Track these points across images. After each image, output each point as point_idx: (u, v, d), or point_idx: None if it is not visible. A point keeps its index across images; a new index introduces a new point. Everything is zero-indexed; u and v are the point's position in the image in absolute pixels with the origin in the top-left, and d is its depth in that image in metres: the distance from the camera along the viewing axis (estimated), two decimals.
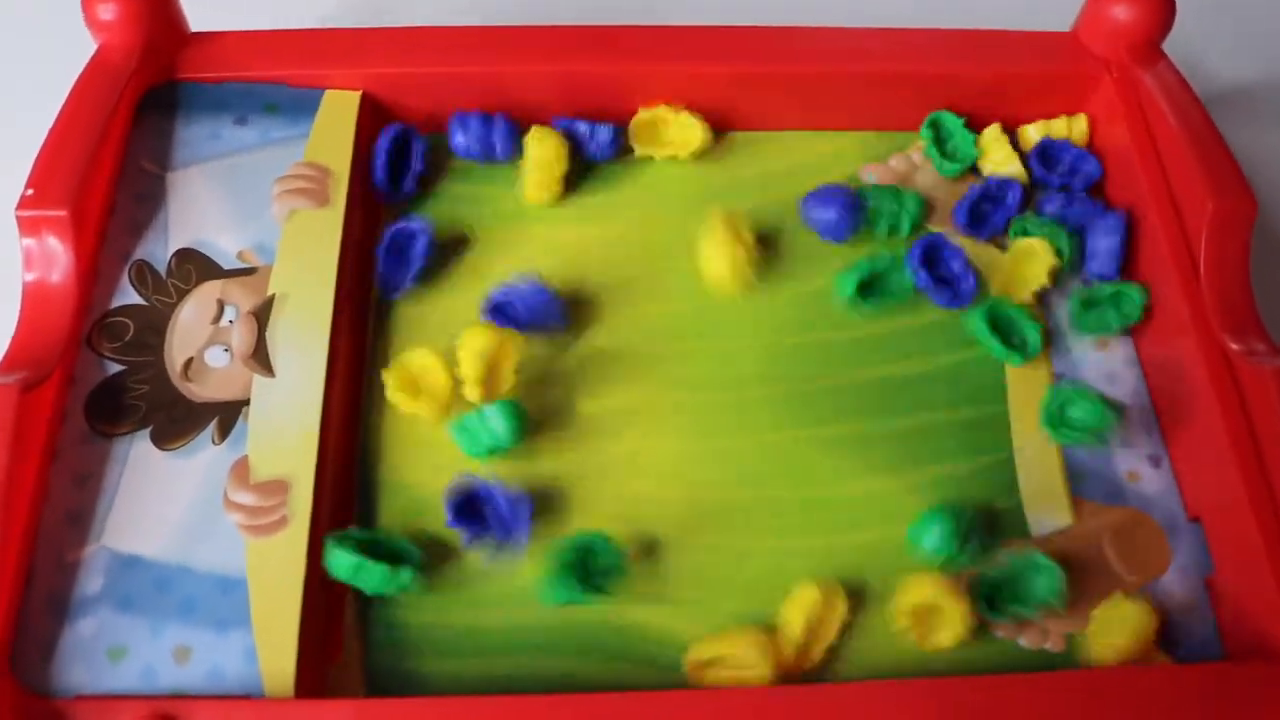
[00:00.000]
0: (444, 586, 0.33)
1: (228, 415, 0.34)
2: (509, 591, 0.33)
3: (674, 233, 0.39)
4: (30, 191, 0.34)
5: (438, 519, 0.33)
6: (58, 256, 0.34)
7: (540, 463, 0.35)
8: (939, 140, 0.41)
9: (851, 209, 0.39)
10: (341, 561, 0.31)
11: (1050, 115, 0.42)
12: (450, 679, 0.32)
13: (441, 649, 0.32)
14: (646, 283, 0.38)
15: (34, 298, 0.34)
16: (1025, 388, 0.37)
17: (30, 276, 0.34)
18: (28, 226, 0.34)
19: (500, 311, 0.36)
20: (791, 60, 0.40)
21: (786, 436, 0.36)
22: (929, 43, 0.41)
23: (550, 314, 0.36)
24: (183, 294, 0.36)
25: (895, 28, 0.42)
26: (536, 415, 0.35)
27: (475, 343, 0.34)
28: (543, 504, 0.34)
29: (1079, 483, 0.35)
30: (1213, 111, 0.38)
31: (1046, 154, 0.41)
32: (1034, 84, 0.41)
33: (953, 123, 0.41)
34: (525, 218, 0.40)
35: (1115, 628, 0.32)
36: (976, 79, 0.41)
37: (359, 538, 0.32)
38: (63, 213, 0.34)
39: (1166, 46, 0.41)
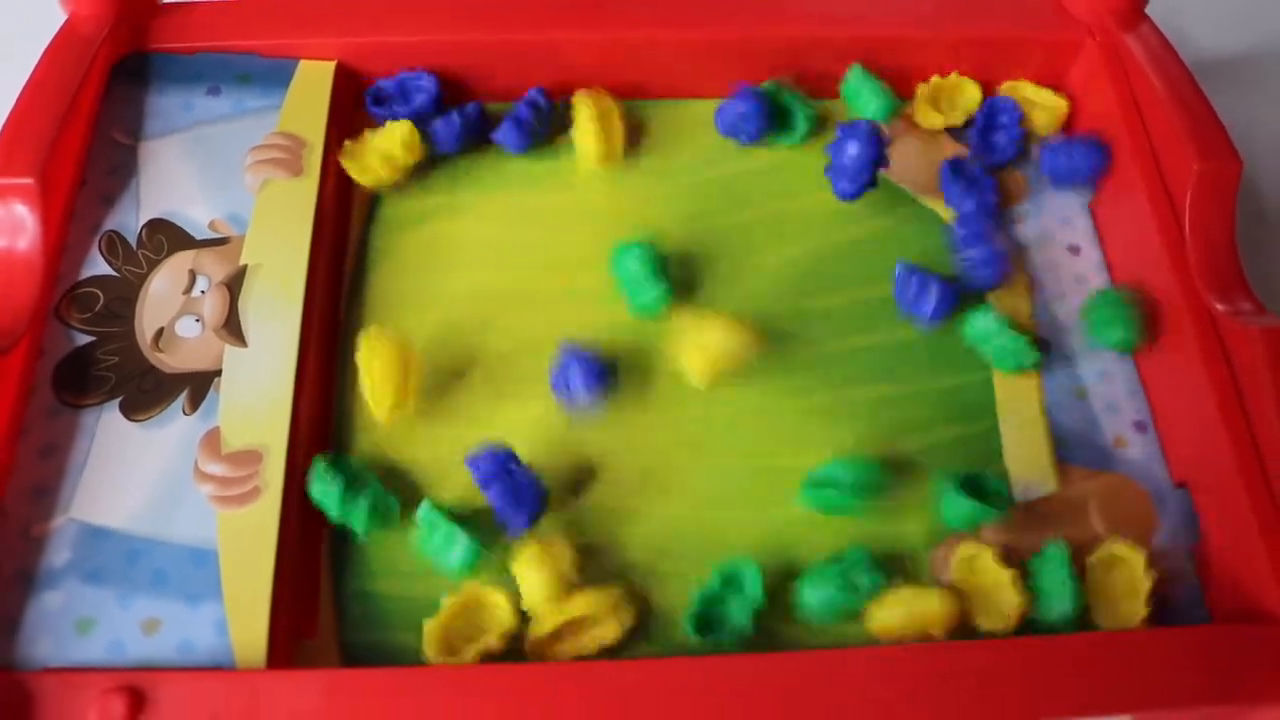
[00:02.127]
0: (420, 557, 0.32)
1: (199, 386, 0.33)
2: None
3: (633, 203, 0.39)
4: None
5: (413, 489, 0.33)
6: (24, 225, 0.33)
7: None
8: None
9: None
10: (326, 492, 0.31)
11: (1033, 80, 0.41)
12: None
13: (418, 622, 0.31)
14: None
15: None
16: None
17: None
18: None
19: None
20: (749, 24, 0.40)
21: (770, 405, 0.35)
22: (905, 7, 0.41)
23: None
24: (154, 264, 0.35)
25: None
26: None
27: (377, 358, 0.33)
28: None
29: (1064, 449, 0.35)
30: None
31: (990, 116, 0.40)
32: (1015, 49, 0.40)
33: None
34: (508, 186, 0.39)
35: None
36: (955, 44, 0.40)
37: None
38: (29, 180, 0.33)
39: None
